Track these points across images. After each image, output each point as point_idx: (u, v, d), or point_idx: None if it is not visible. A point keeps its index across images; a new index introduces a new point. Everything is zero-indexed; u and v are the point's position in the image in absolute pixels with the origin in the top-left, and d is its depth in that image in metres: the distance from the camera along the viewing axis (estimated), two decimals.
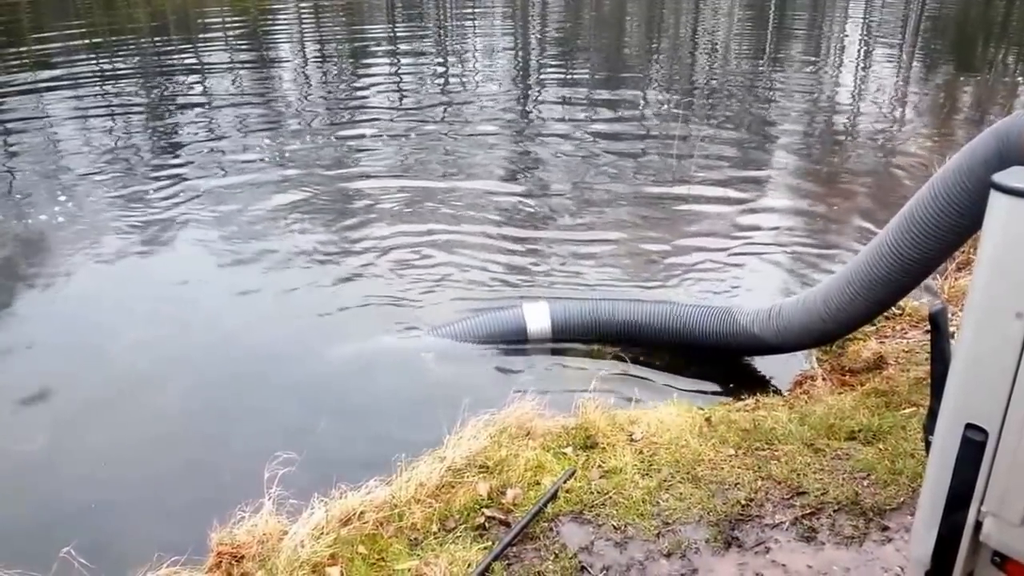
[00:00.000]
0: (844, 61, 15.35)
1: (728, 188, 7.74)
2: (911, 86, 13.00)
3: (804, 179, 8.20)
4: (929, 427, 1.38)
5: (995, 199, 1.17)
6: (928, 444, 1.38)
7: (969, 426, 1.25)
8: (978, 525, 1.28)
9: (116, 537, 3.36)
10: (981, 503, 1.27)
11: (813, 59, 15.58)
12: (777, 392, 4.18)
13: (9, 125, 10.06)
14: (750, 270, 6.01)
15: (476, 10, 21.73)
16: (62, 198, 7.45)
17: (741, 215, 7.14)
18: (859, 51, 16.42)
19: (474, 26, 19.84)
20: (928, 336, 4.50)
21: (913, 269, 3.71)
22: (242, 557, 2.82)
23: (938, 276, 5.11)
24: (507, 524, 2.89)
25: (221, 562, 2.82)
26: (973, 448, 1.25)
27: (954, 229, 3.55)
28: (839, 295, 3.96)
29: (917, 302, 4.91)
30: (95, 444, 4.08)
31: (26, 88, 11.95)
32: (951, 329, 1.45)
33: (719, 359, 4.68)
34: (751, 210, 7.28)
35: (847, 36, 18.36)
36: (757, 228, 6.84)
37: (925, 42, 17.58)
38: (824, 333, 4.20)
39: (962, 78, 13.25)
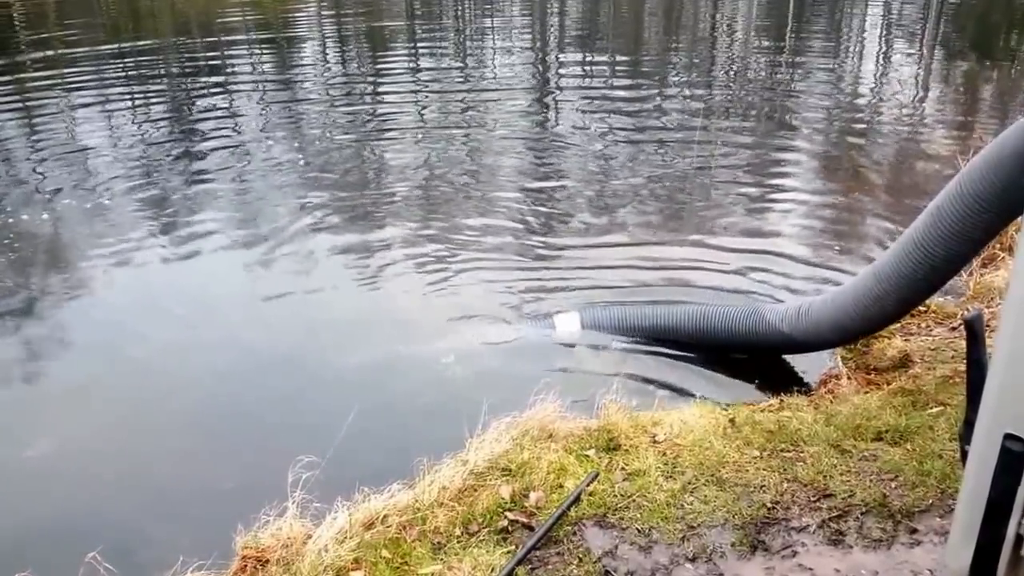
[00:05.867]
0: (865, 49, 15.23)
1: (748, 177, 7.73)
2: (933, 76, 12.86)
3: (825, 170, 8.15)
4: (965, 437, 1.34)
5: None
6: (964, 454, 1.35)
7: (1008, 436, 1.22)
8: (1019, 539, 1.25)
9: (140, 542, 3.37)
10: (1022, 516, 1.23)
11: (833, 46, 15.47)
12: (802, 392, 4.13)
13: (34, 121, 10.16)
14: (770, 261, 5.95)
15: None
16: (84, 196, 7.51)
17: (761, 206, 7.12)
18: (880, 39, 16.26)
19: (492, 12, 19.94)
20: (954, 333, 4.48)
21: (941, 266, 3.66)
22: (267, 561, 2.82)
23: (963, 272, 5.05)
24: (530, 528, 2.88)
25: (246, 566, 2.83)
26: (1013, 459, 1.21)
27: (982, 225, 3.50)
28: (867, 293, 3.91)
29: (942, 299, 4.85)
30: (118, 448, 4.10)
31: (49, 83, 12.07)
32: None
33: (742, 358, 4.64)
34: (771, 200, 7.27)
35: (868, 21, 18.22)
36: (777, 219, 6.82)
37: (947, 31, 17.38)
38: (854, 331, 4.17)
39: (985, 68, 13.08)
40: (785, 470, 3.13)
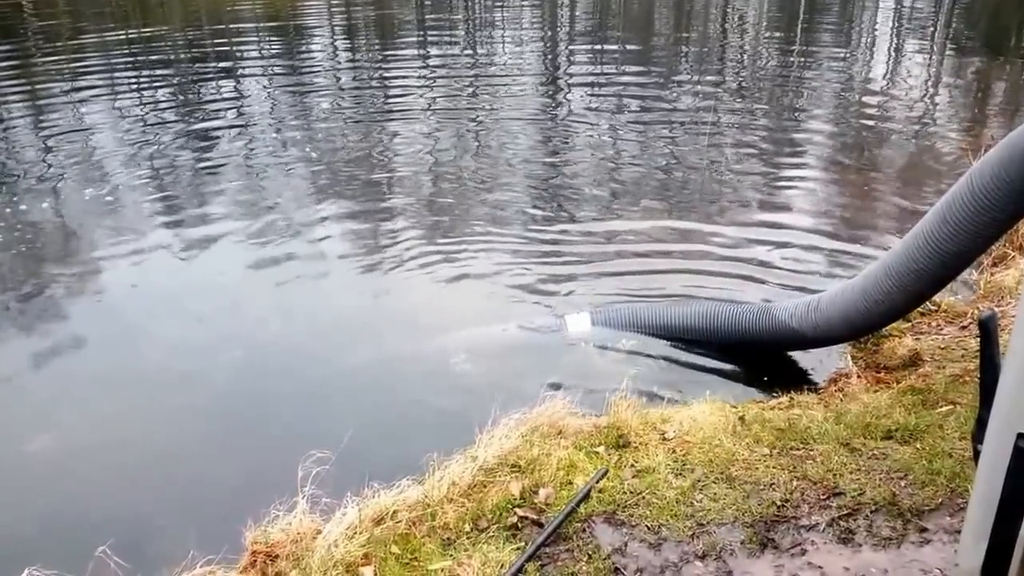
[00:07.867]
0: (876, 46, 15.19)
1: (758, 175, 7.71)
2: (944, 73, 12.82)
3: (836, 166, 8.16)
4: (978, 436, 1.34)
5: None
6: (977, 453, 1.34)
7: (1021, 435, 1.22)
8: None
9: (150, 536, 3.38)
10: None
11: (844, 39, 15.44)
12: (811, 390, 4.13)
13: (43, 115, 10.17)
14: (780, 257, 5.94)
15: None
16: (92, 186, 7.53)
17: (773, 193, 7.19)
18: (891, 36, 16.20)
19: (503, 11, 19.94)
20: (964, 332, 4.47)
21: (950, 262, 3.66)
22: (276, 556, 2.83)
23: (974, 271, 5.04)
24: (540, 524, 2.88)
25: (256, 561, 2.84)
26: None
27: (992, 223, 3.49)
28: (877, 287, 3.92)
29: (952, 298, 4.84)
30: (127, 443, 4.11)
31: (57, 70, 12.09)
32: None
33: (753, 356, 4.64)
34: (782, 197, 7.28)
35: (880, 15, 18.17)
36: (789, 207, 6.87)
37: (958, 28, 17.30)
38: (863, 326, 4.17)
39: (996, 64, 13.01)
40: (795, 468, 3.13)
